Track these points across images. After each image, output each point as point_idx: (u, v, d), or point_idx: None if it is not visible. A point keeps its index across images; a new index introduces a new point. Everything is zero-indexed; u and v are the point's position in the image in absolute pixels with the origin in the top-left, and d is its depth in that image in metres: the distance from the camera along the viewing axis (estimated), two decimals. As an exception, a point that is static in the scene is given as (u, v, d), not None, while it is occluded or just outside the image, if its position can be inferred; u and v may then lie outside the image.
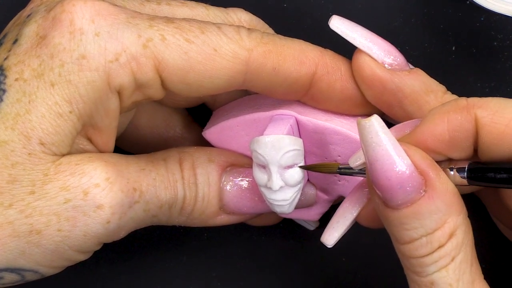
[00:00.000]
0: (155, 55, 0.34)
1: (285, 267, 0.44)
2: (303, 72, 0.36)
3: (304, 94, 0.37)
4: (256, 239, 0.45)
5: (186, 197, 0.38)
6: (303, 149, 0.37)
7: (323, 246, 0.36)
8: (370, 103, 0.37)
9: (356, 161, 0.34)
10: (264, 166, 0.37)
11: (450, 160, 0.33)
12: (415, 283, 0.32)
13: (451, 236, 0.31)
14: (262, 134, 0.37)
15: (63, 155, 0.34)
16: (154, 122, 0.42)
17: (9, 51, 0.34)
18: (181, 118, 0.43)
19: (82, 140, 0.36)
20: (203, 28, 0.35)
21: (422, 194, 0.31)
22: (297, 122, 0.38)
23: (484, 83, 0.44)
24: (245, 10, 0.40)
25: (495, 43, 0.44)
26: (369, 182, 0.32)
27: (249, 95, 0.41)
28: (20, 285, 0.36)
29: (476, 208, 0.39)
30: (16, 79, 0.33)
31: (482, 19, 0.44)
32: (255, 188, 0.38)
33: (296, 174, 0.37)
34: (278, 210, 0.38)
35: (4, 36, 0.35)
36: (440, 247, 0.31)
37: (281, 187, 0.37)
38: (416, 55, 0.44)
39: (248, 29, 0.36)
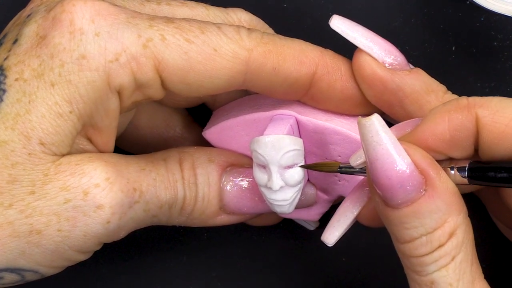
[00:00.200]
0: (155, 55, 0.34)
1: (285, 267, 0.44)
2: (303, 72, 0.36)
3: (304, 94, 0.37)
4: (256, 239, 0.45)
5: (186, 197, 0.38)
6: (303, 149, 0.37)
7: (323, 246, 0.36)
8: (370, 103, 0.37)
9: (356, 160, 0.34)
10: (264, 166, 0.37)
11: (450, 159, 0.33)
12: (415, 283, 0.32)
13: (451, 235, 0.31)
14: (262, 134, 0.37)
15: (63, 155, 0.34)
16: (154, 122, 0.42)
17: (9, 51, 0.34)
18: (181, 118, 0.43)
19: (82, 140, 0.36)
20: (203, 28, 0.35)
21: (423, 193, 0.31)
22: (297, 122, 0.38)
23: (484, 83, 0.44)
24: (245, 10, 0.40)
25: (495, 43, 0.44)
26: (370, 181, 0.32)
27: (249, 95, 0.41)
28: (20, 285, 0.36)
29: (476, 208, 0.39)
30: (16, 79, 0.33)
31: (482, 19, 0.44)
32: (255, 188, 0.38)
33: (296, 174, 0.37)
34: (278, 210, 0.38)
35: (4, 36, 0.35)
36: (440, 246, 0.31)
37: (281, 187, 0.37)
38: (416, 55, 0.44)
39: (248, 29, 0.36)
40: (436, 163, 0.32)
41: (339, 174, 0.39)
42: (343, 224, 0.36)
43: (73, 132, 0.34)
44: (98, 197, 0.34)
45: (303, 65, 0.36)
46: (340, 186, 0.39)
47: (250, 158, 0.38)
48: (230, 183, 0.39)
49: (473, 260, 0.32)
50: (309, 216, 0.41)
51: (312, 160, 0.39)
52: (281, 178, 0.37)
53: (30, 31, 0.34)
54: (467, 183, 0.33)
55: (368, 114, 0.32)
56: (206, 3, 0.39)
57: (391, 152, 0.31)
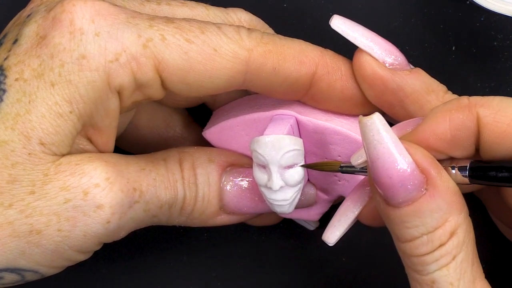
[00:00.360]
0: (155, 55, 0.34)
1: (285, 267, 0.44)
2: (303, 72, 0.36)
3: (304, 94, 0.37)
4: (256, 239, 0.45)
5: (186, 197, 0.38)
6: (303, 149, 0.37)
7: (323, 246, 0.36)
8: (370, 103, 0.37)
9: (358, 159, 0.34)
10: (264, 166, 0.37)
11: (451, 158, 0.33)
12: (416, 282, 0.32)
13: (452, 234, 0.31)
14: (262, 134, 0.37)
15: (63, 155, 0.34)
16: (154, 122, 0.42)
17: (9, 51, 0.34)
18: (181, 118, 0.43)
19: (82, 140, 0.36)
20: (203, 28, 0.35)
21: (423, 193, 0.31)
22: (297, 122, 0.38)
23: (484, 83, 0.44)
24: (245, 10, 0.40)
25: (495, 43, 0.44)
26: (371, 180, 0.32)
27: (249, 95, 0.41)
28: (20, 285, 0.36)
29: (476, 208, 0.39)
30: (16, 79, 0.33)
31: (482, 19, 0.44)
32: (255, 188, 0.38)
33: (296, 174, 0.37)
34: (278, 210, 0.38)
35: (4, 36, 0.35)
36: (441, 245, 0.31)
37: (281, 187, 0.37)
38: (416, 55, 0.44)
39: (248, 29, 0.36)
40: (437, 162, 0.32)
41: (339, 174, 0.39)
42: (344, 223, 0.36)
43: (73, 132, 0.34)
44: (98, 197, 0.34)
45: (303, 65, 0.36)
46: (340, 186, 0.39)
47: (250, 158, 0.38)
48: (230, 183, 0.39)
49: (474, 259, 0.32)
50: (309, 216, 0.41)
51: (312, 160, 0.39)
52: (281, 178, 0.37)
53: (30, 31, 0.34)
54: (468, 182, 0.33)
55: (368, 114, 0.32)
56: (206, 3, 0.39)
57: (392, 151, 0.31)
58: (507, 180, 0.31)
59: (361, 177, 0.37)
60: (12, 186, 0.33)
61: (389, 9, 0.44)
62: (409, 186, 0.31)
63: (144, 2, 0.38)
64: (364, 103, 0.37)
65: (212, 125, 0.40)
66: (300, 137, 0.38)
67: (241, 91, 0.41)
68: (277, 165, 0.36)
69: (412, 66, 0.37)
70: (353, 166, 0.34)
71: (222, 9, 0.39)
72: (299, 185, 0.37)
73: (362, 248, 0.44)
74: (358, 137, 0.37)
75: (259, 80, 0.36)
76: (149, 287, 0.45)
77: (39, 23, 0.34)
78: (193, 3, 0.39)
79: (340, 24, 0.37)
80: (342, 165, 0.35)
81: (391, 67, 0.36)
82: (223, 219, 0.39)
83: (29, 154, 0.33)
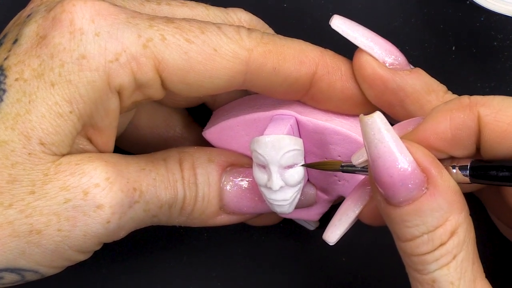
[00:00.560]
0: (155, 55, 0.34)
1: (285, 267, 0.44)
2: (303, 72, 0.36)
3: (304, 94, 0.37)
4: (256, 239, 0.45)
5: (186, 197, 0.38)
6: (303, 149, 0.37)
7: (323, 246, 0.36)
8: (370, 103, 0.37)
9: (358, 159, 0.34)
10: (264, 166, 0.37)
11: (452, 158, 0.33)
12: (416, 281, 0.32)
13: (452, 234, 0.31)
14: (262, 134, 0.37)
15: (63, 155, 0.34)
16: (154, 122, 0.42)
17: (9, 51, 0.34)
18: (181, 118, 0.43)
19: (82, 140, 0.36)
20: (203, 28, 0.35)
21: (424, 192, 0.31)
22: (297, 122, 0.38)
23: (484, 83, 0.44)
24: (245, 10, 0.40)
25: (495, 43, 0.44)
26: (371, 179, 0.32)
27: (249, 95, 0.41)
28: (20, 285, 0.36)
29: (476, 208, 0.39)
30: (16, 79, 0.33)
31: (482, 19, 0.44)
32: (255, 188, 0.38)
33: (296, 174, 0.37)
34: (278, 210, 0.38)
35: (4, 36, 0.35)
36: (441, 245, 0.31)
37: (281, 187, 0.37)
38: (416, 55, 0.44)
39: (248, 29, 0.36)
40: (438, 161, 0.32)
41: (339, 174, 0.39)
42: (344, 222, 0.36)
43: (73, 132, 0.34)
44: (98, 197, 0.34)
45: (303, 65, 0.36)
46: (340, 186, 0.39)
47: (250, 158, 0.38)
48: (230, 183, 0.39)
49: (475, 259, 0.32)
50: (309, 216, 0.41)
51: (312, 160, 0.39)
52: (281, 178, 0.37)
53: (30, 31, 0.34)
54: (469, 181, 0.33)
55: (369, 114, 0.32)
56: (206, 3, 0.39)
57: (393, 149, 0.31)
58: (507, 179, 0.31)
59: (361, 177, 0.37)
60: (12, 186, 0.33)
61: (389, 9, 0.44)
62: (409, 185, 0.31)
63: (144, 2, 0.38)
64: (364, 103, 0.37)
65: (212, 125, 0.40)
66: (300, 137, 0.38)
67: (241, 91, 0.41)
68: (277, 165, 0.36)
69: (412, 66, 0.37)
70: (354, 166, 0.34)
71: (222, 9, 0.39)
72: (299, 185, 0.37)
73: (362, 248, 0.44)
74: (358, 137, 0.37)
75: (259, 80, 0.36)
76: (149, 287, 0.45)
77: (39, 23, 0.34)
78: (193, 3, 0.39)
79: (340, 24, 0.37)
80: (343, 164, 0.35)
81: (391, 67, 0.36)
82: (223, 219, 0.39)
83: (29, 154, 0.33)
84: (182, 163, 0.38)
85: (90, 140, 0.36)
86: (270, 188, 0.37)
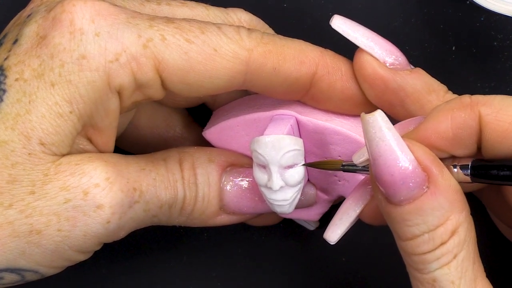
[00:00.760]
0: (155, 55, 0.34)
1: (285, 267, 0.44)
2: (303, 72, 0.36)
3: (304, 94, 0.37)
4: (256, 239, 0.45)
5: (186, 197, 0.38)
6: (303, 149, 0.37)
7: (323, 246, 0.36)
8: (370, 103, 0.37)
9: (360, 158, 0.34)
10: (264, 166, 0.37)
11: (453, 157, 0.33)
12: (417, 281, 0.32)
13: (453, 233, 0.31)
14: (262, 134, 0.37)
15: (63, 155, 0.34)
16: (154, 122, 0.42)
17: (9, 51, 0.34)
18: (181, 118, 0.43)
19: (82, 140, 0.36)
20: (203, 28, 0.35)
21: (425, 191, 0.31)
22: (297, 122, 0.38)
23: (484, 83, 0.44)
24: (245, 10, 0.40)
25: (495, 43, 0.44)
26: (372, 178, 0.32)
27: (249, 95, 0.41)
28: (20, 285, 0.36)
29: (476, 208, 0.39)
30: (16, 79, 0.33)
31: (482, 19, 0.44)
32: (255, 188, 0.38)
33: (296, 174, 0.37)
34: (278, 210, 0.38)
35: (4, 36, 0.35)
36: (442, 244, 0.31)
37: (281, 187, 0.37)
38: (416, 55, 0.44)
39: (248, 29, 0.36)
40: (439, 160, 0.32)
41: (339, 174, 0.39)
42: (345, 222, 0.36)
43: (73, 132, 0.34)
44: (98, 197, 0.34)
45: (303, 65, 0.36)
46: (340, 186, 0.39)
47: (250, 158, 0.38)
48: (230, 183, 0.39)
49: (475, 258, 0.32)
50: (309, 216, 0.41)
51: (312, 160, 0.39)
52: (281, 178, 0.37)
53: (30, 31, 0.34)
54: (470, 181, 0.33)
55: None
56: (206, 3, 0.39)
57: (394, 148, 0.31)
58: (508, 178, 0.32)
59: (361, 177, 0.37)
60: (12, 186, 0.33)
61: (389, 9, 0.44)
62: (410, 184, 0.31)
63: (144, 2, 0.38)
64: (364, 103, 0.37)
65: (212, 125, 0.40)
66: (300, 137, 0.38)
67: (241, 91, 0.41)
68: (277, 165, 0.36)
69: (412, 66, 0.37)
70: (354, 165, 0.34)
71: (222, 9, 0.39)
72: (299, 185, 0.37)
73: (362, 248, 0.44)
74: (358, 137, 0.37)
75: (259, 80, 0.36)
76: (149, 287, 0.45)
77: (39, 23, 0.34)
78: (193, 3, 0.39)
79: (340, 24, 0.37)
80: (343, 163, 0.35)
81: (391, 67, 0.36)
82: (223, 219, 0.39)
83: (29, 154, 0.33)
84: (182, 163, 0.38)
85: (90, 140, 0.36)
86: (270, 188, 0.37)
